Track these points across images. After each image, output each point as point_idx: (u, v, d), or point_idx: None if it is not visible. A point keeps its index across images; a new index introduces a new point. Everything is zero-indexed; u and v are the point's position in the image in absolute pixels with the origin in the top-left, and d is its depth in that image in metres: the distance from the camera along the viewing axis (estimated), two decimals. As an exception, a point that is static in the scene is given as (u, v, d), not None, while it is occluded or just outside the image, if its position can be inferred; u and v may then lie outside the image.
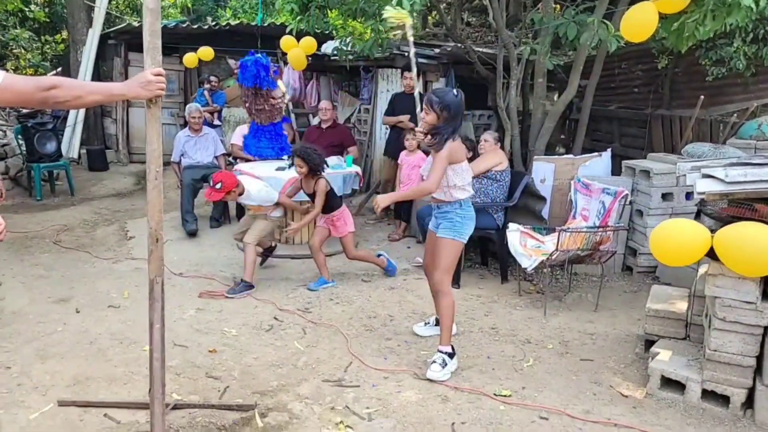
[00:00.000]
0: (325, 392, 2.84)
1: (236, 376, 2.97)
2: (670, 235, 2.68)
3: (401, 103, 5.87)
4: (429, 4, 6.97)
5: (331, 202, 4.29)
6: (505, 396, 2.84)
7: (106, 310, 3.80)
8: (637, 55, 6.73)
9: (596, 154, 5.06)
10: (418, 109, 3.08)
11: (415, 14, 7.20)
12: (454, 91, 3.01)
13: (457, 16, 6.94)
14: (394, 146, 5.89)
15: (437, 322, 3.36)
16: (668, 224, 2.75)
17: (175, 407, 2.60)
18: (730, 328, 2.66)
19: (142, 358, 3.04)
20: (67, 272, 4.53)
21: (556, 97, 6.58)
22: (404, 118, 5.73)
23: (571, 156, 5.23)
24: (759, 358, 2.65)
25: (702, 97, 5.16)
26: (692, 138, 5.42)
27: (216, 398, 2.75)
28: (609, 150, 5.20)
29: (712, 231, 2.62)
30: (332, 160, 5.50)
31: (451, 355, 3.08)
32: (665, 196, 4.45)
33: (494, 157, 4.61)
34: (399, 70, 6.94)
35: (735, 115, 5.09)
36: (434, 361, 3.03)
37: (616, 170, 5.13)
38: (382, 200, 3.04)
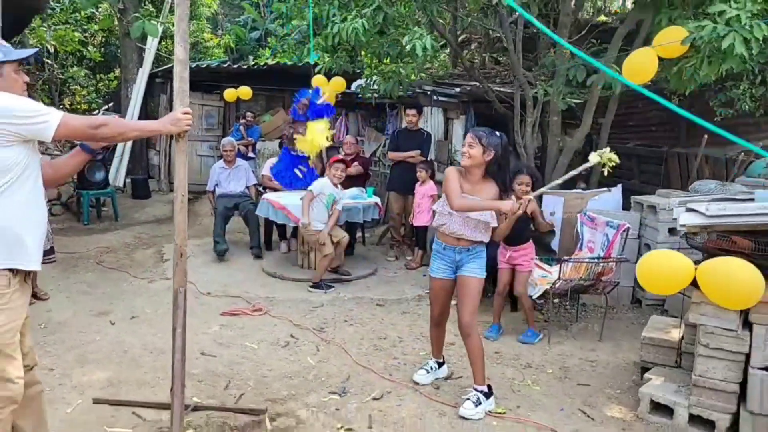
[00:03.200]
0: (330, 402, 3.08)
1: (252, 385, 3.25)
2: (655, 264, 2.86)
3: (406, 139, 6.09)
4: (455, 54, 7.35)
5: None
6: (499, 413, 3.02)
7: (140, 324, 4.16)
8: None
9: (605, 189, 5.24)
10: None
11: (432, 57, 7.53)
12: (497, 132, 3.05)
13: (482, 58, 7.29)
14: (399, 181, 6.12)
15: (440, 366, 3.42)
16: (654, 254, 2.93)
17: (195, 409, 2.89)
18: (714, 355, 2.80)
19: (169, 366, 3.33)
20: (108, 289, 4.94)
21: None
22: (414, 153, 5.97)
23: (579, 190, 5.41)
24: (742, 384, 2.77)
25: (706, 136, 5.30)
26: (708, 175, 5.53)
27: (232, 403, 3.03)
28: (619, 186, 5.37)
29: (697, 263, 2.79)
30: (353, 191, 5.84)
31: (488, 395, 3.05)
32: (672, 231, 4.57)
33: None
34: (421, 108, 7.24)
35: (742, 153, 5.20)
36: (468, 399, 3.02)
37: (628, 205, 5.27)
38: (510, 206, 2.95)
